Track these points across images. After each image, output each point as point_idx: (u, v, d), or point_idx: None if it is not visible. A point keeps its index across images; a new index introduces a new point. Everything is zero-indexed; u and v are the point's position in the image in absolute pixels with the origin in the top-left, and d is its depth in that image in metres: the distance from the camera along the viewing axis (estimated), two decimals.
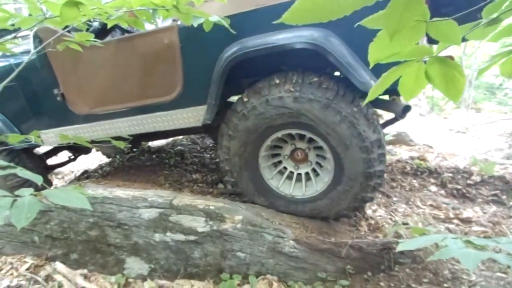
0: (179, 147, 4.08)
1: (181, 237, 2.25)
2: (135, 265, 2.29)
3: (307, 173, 2.47)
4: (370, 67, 0.84)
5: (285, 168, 2.51)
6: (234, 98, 2.71)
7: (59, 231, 2.39)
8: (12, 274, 2.27)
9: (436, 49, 0.81)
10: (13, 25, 1.52)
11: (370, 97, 0.91)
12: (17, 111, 2.86)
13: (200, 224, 2.25)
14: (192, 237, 2.24)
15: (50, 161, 3.64)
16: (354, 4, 0.65)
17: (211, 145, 4.21)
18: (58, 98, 2.67)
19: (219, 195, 2.83)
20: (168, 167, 3.47)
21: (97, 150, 4.60)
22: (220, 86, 2.28)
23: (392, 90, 2.08)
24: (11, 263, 2.36)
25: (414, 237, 2.08)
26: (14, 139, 1.80)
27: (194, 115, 2.51)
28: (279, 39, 2.08)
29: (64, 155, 3.85)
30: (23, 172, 1.41)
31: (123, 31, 3.14)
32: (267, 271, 2.16)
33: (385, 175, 3.58)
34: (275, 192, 2.49)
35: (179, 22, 2.28)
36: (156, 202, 2.34)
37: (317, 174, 2.45)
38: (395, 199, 3.19)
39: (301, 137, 2.37)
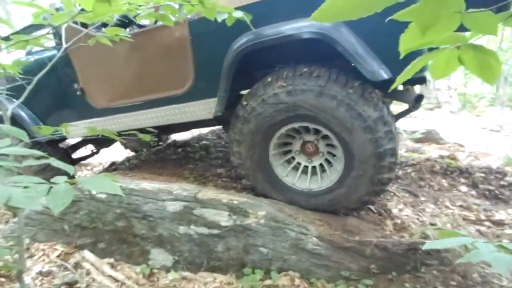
0: (204, 142, 4.12)
1: (204, 230, 2.27)
2: (159, 256, 2.33)
3: (321, 165, 2.44)
4: (401, 57, 0.82)
5: (299, 163, 2.49)
6: None
7: (87, 221, 2.47)
8: (43, 260, 2.36)
9: (469, 36, 0.80)
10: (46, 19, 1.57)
11: (398, 82, 0.89)
12: (42, 106, 2.97)
13: (223, 218, 2.26)
14: (215, 231, 2.26)
15: (75, 155, 3.77)
16: (386, 1, 0.63)
17: None
18: (78, 93, 2.77)
19: (243, 190, 2.84)
20: (193, 161, 3.52)
21: (122, 144, 4.73)
22: (229, 78, 2.30)
23: (407, 80, 2.09)
24: (43, 250, 2.46)
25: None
26: (46, 131, 1.86)
27: (206, 108, 2.53)
28: (287, 29, 2.08)
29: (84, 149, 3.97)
30: (56, 162, 1.46)
31: (139, 26, 3.19)
32: (289, 267, 2.15)
33: (413, 173, 3.49)
34: (292, 189, 2.47)
35: (189, 16, 2.29)
36: (181, 195, 2.38)
37: (331, 164, 2.42)
38: (422, 198, 3.10)
39: (307, 130, 2.36)
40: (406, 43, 0.76)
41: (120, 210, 2.41)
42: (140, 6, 1.62)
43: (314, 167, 2.47)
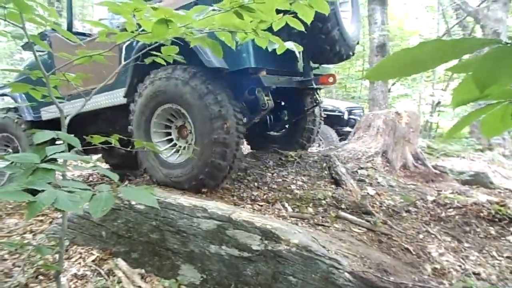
0: (243, 163, 4.15)
1: (235, 252, 2.27)
2: (188, 273, 2.35)
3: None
4: (453, 109, 0.83)
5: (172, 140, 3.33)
6: None
7: (124, 230, 2.55)
8: (79, 263, 2.46)
9: None
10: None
11: (449, 134, 0.89)
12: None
13: (255, 242, 2.25)
14: (246, 254, 2.24)
15: None
16: (432, 64, 0.68)
17: (273, 164, 4.23)
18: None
19: (278, 217, 2.82)
20: (231, 181, 3.55)
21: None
22: (131, 69, 3.29)
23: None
24: (80, 253, 2.56)
25: None
26: (97, 140, 1.97)
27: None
28: None
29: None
30: (102, 170, 1.55)
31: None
32: None
33: (457, 217, 3.30)
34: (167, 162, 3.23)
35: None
36: (215, 214, 2.40)
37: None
38: (466, 245, 2.91)
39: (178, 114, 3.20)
40: (459, 97, 0.75)
41: (155, 223, 2.47)
42: (193, 29, 1.71)
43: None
